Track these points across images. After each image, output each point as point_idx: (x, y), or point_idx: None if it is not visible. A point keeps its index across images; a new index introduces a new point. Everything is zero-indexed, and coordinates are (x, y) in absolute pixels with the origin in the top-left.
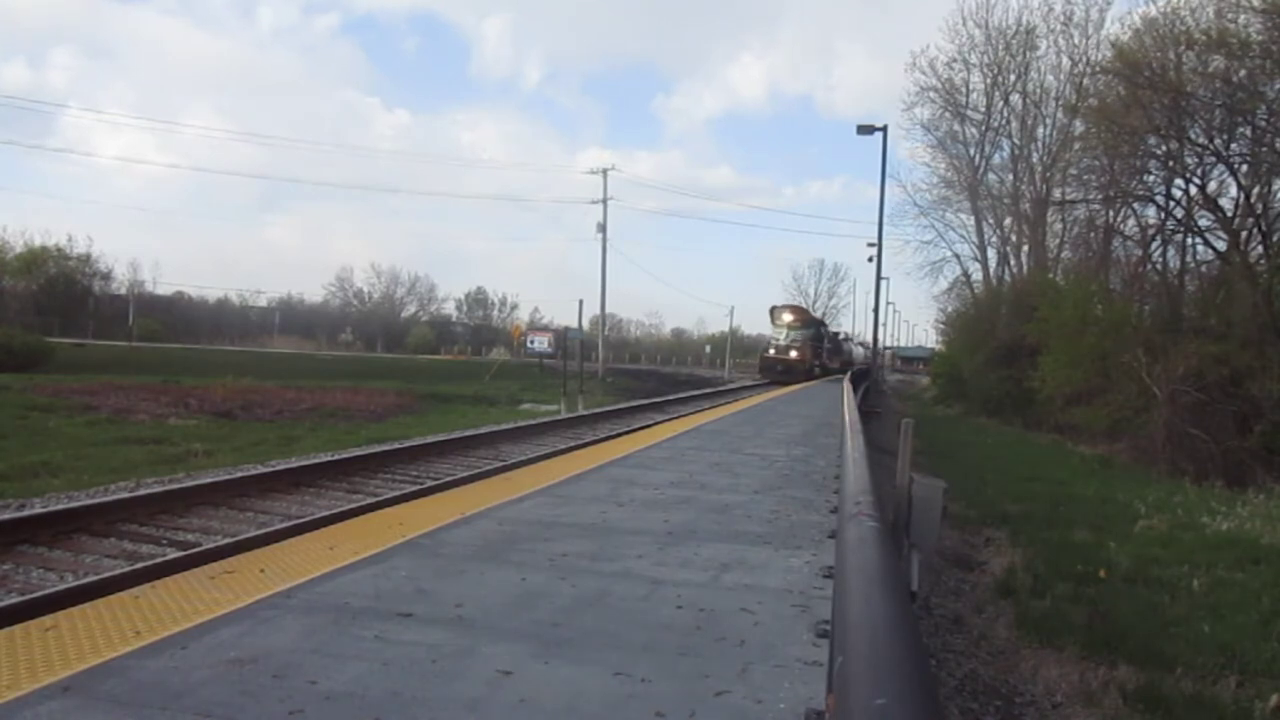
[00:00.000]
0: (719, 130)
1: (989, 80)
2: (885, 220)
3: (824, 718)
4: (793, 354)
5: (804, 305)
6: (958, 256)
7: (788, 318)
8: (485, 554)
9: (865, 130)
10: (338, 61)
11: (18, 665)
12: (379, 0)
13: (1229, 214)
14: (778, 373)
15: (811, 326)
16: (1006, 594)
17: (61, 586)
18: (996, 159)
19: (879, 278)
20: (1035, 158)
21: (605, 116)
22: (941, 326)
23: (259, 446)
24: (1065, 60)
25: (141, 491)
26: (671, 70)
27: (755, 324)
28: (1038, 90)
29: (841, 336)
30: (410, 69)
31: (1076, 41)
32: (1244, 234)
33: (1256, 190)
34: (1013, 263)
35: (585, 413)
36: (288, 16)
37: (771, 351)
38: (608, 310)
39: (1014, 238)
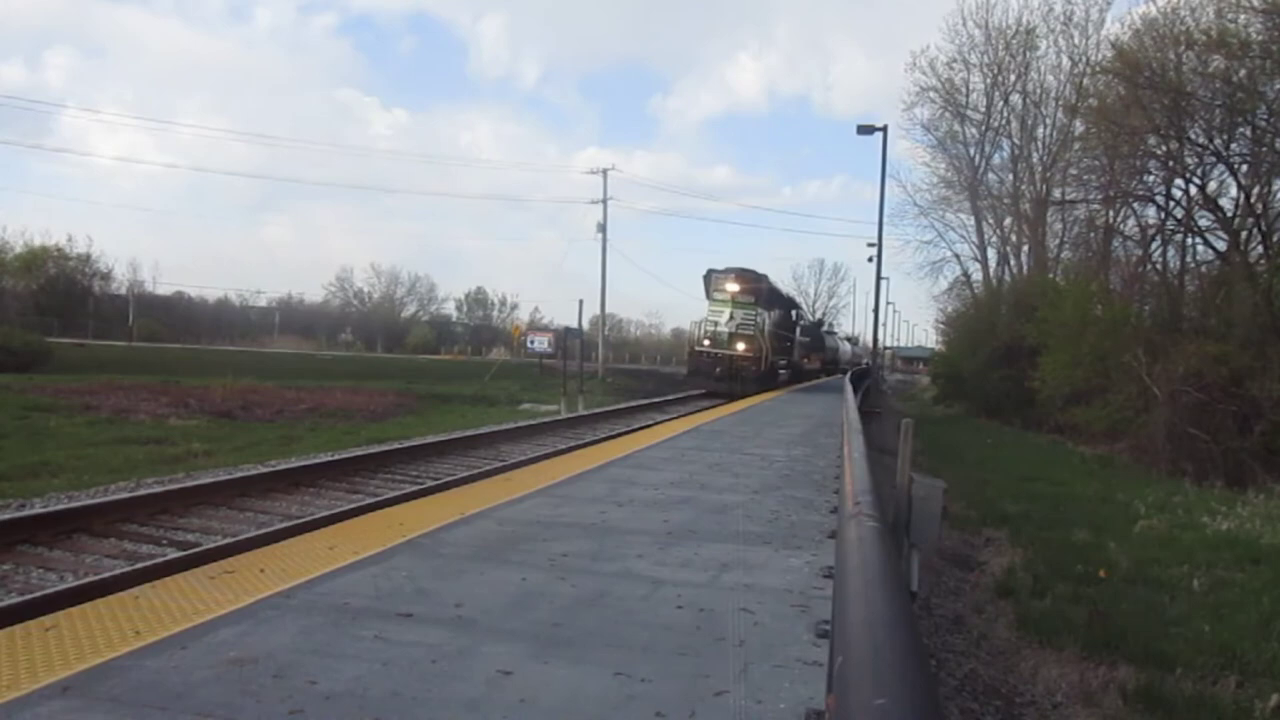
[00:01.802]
0: (716, 130)
1: (989, 80)
2: (885, 220)
3: (824, 718)
4: (740, 346)
5: (760, 272)
6: (958, 256)
7: (732, 288)
8: (485, 554)
9: (865, 130)
10: (335, 61)
11: (18, 665)
12: (376, 0)
13: (1229, 214)
14: (715, 378)
15: (774, 304)
16: (1006, 594)
17: (61, 586)
18: (996, 159)
19: (879, 278)
20: (1035, 158)
21: (602, 116)
22: (941, 326)
23: (259, 446)
24: (1065, 60)
25: (141, 491)
26: (668, 70)
27: None
28: (1038, 90)
29: (825, 327)
30: (407, 69)
31: (1076, 41)
32: (1244, 234)
33: (1256, 190)
34: (1013, 263)
35: (585, 413)
36: (285, 16)
37: (706, 343)
38: (608, 310)
39: (1014, 238)
